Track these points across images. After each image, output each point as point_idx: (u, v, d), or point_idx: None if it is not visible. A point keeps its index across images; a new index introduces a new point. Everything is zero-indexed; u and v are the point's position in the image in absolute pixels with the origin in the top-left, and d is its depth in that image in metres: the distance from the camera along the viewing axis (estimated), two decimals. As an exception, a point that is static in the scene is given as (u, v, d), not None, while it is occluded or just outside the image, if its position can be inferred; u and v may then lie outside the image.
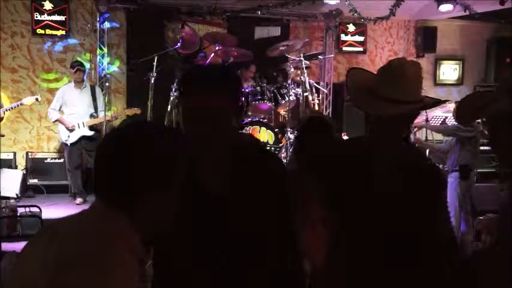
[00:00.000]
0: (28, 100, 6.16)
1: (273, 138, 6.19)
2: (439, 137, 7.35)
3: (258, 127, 6.06)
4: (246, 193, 1.63)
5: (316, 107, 6.67)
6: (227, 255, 1.64)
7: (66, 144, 6.34)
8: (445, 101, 2.11)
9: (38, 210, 5.20)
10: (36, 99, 6.19)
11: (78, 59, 6.95)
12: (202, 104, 1.57)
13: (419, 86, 1.84)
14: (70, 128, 6.24)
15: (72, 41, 7.34)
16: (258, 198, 1.63)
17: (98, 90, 6.60)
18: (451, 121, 5.85)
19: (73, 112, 6.30)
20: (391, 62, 1.87)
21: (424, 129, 7.35)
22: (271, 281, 1.68)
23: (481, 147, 5.36)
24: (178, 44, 6.60)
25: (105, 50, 7.18)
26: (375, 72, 1.92)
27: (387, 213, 1.73)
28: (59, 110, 6.35)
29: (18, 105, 6.17)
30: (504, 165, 1.77)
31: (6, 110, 6.05)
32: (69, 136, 6.26)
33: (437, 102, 2.03)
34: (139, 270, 1.24)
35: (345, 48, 8.50)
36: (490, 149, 1.83)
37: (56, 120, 6.35)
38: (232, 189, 1.63)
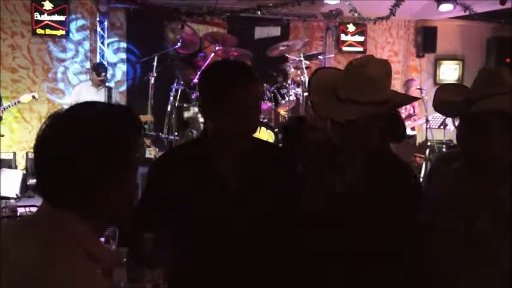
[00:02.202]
0: (25, 98, 6.14)
1: (273, 138, 6.19)
2: (438, 136, 7.36)
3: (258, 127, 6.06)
4: (263, 187, 1.70)
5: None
6: (245, 247, 1.68)
7: None
8: (416, 98, 2.05)
9: (38, 210, 5.20)
10: (33, 97, 6.18)
11: (82, 60, 6.98)
12: (250, 96, 1.62)
13: (384, 86, 1.72)
14: None
15: (72, 41, 7.34)
16: (273, 191, 1.70)
17: (114, 92, 6.60)
18: (450, 121, 5.85)
19: None
20: (353, 62, 1.78)
21: (424, 129, 7.38)
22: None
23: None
24: (178, 44, 6.60)
25: (105, 49, 7.18)
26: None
27: (349, 215, 1.72)
28: None
29: (15, 103, 6.16)
30: (481, 163, 1.75)
31: (4, 109, 6.05)
32: None
33: (405, 99, 1.99)
34: (99, 273, 1.11)
35: (345, 48, 8.49)
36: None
37: None
38: (251, 184, 1.70)
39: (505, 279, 1.67)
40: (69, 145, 1.02)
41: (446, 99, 1.83)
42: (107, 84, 6.71)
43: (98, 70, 6.39)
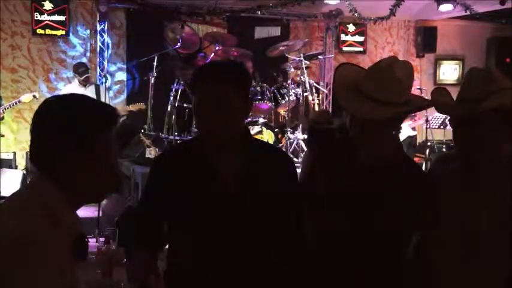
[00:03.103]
0: (26, 97, 6.14)
1: (273, 138, 6.19)
2: (438, 136, 7.36)
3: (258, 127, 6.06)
4: (259, 183, 1.70)
5: (316, 107, 6.67)
6: (245, 246, 1.68)
7: None
8: (431, 102, 2.03)
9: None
10: (34, 96, 6.17)
11: (83, 60, 6.97)
12: (216, 95, 1.62)
13: (409, 87, 1.78)
14: None
15: (72, 41, 7.33)
16: (270, 187, 1.71)
17: (102, 89, 6.58)
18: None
19: None
20: (380, 62, 1.82)
21: (424, 129, 7.38)
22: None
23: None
24: (178, 44, 6.60)
25: (105, 50, 7.18)
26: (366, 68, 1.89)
27: (366, 215, 1.72)
28: None
29: (16, 103, 6.16)
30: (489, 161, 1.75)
31: (5, 109, 6.05)
32: None
33: (423, 106, 2.00)
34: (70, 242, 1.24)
35: (345, 48, 8.49)
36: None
37: None
38: (247, 180, 1.70)
39: (504, 279, 1.67)
40: (45, 126, 1.25)
41: (443, 102, 1.84)
42: (106, 84, 6.70)
43: (78, 71, 6.36)
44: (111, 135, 1.28)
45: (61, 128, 1.23)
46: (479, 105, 1.66)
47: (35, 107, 5.11)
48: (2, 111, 6.01)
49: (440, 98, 1.85)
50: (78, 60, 7.04)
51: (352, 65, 2.03)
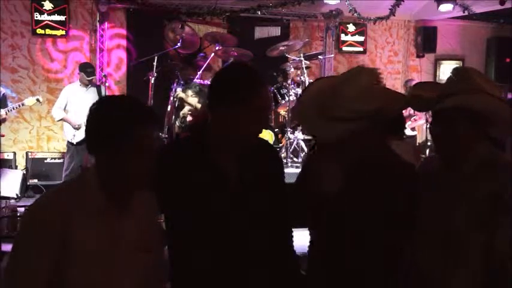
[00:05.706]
0: (29, 101, 6.13)
1: (273, 138, 6.20)
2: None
3: (258, 127, 6.05)
4: (263, 185, 1.73)
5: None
6: (246, 245, 1.70)
7: (72, 144, 6.20)
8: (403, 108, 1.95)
9: (38, 210, 5.18)
10: (37, 100, 6.16)
11: (83, 60, 6.97)
12: (263, 102, 1.72)
13: (366, 99, 1.65)
14: (76, 127, 6.16)
15: (72, 41, 7.34)
16: (270, 187, 1.75)
17: (103, 89, 6.55)
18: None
19: (78, 111, 6.12)
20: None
21: (424, 129, 7.38)
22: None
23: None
24: (178, 44, 6.61)
25: (105, 49, 7.17)
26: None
27: (351, 213, 1.73)
28: (64, 109, 6.28)
29: (19, 106, 6.16)
30: (454, 155, 1.77)
31: (8, 111, 6.04)
32: (74, 135, 6.14)
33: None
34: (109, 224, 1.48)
35: (345, 48, 8.49)
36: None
37: (60, 119, 6.30)
38: (251, 182, 1.71)
39: (482, 276, 1.67)
40: (90, 124, 1.50)
41: (420, 95, 1.85)
42: (100, 83, 6.68)
43: (86, 70, 6.32)
44: (150, 135, 1.48)
45: (105, 124, 1.45)
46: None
47: (35, 107, 5.13)
48: (5, 113, 5.99)
49: (418, 91, 1.87)
50: (78, 61, 7.03)
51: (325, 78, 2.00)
